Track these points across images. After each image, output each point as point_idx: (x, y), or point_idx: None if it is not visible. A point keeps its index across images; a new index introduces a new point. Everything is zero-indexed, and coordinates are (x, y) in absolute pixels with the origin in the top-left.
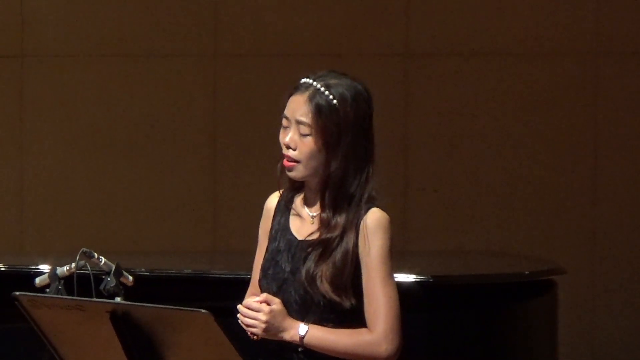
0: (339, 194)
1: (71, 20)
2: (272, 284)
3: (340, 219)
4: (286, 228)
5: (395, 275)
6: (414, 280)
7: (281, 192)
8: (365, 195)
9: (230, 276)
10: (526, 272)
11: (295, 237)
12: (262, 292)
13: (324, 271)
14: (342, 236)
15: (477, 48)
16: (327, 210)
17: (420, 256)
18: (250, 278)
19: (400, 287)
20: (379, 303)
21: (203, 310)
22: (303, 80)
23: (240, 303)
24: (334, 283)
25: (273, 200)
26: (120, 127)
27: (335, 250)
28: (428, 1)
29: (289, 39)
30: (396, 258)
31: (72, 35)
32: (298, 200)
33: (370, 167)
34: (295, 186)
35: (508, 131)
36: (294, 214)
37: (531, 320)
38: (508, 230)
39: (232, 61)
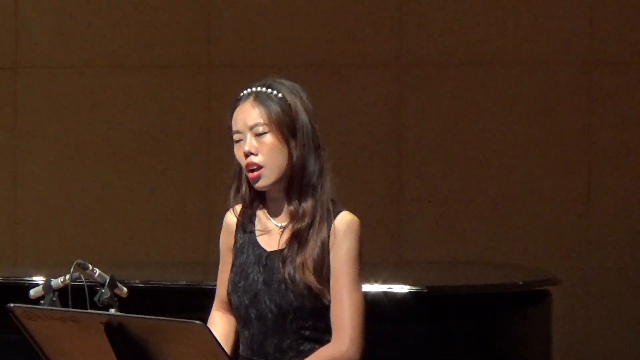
0: (302, 182)
1: (65, 32)
2: (243, 296)
3: (307, 206)
4: (254, 241)
5: (390, 285)
6: (409, 290)
7: (238, 210)
8: (327, 185)
9: None
10: (520, 282)
11: (265, 250)
12: (232, 305)
13: (306, 262)
14: (312, 224)
15: (471, 58)
16: (294, 202)
17: (415, 267)
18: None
19: (395, 298)
20: (344, 308)
21: (197, 322)
22: (240, 95)
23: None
24: (317, 273)
25: (232, 216)
26: (114, 138)
27: (310, 240)
28: (422, 11)
29: (283, 50)
30: (390, 268)
31: (66, 47)
32: (261, 214)
33: (324, 155)
34: (253, 205)
35: (502, 141)
36: (259, 230)
37: (525, 330)
38: (502, 240)
39: (226, 72)
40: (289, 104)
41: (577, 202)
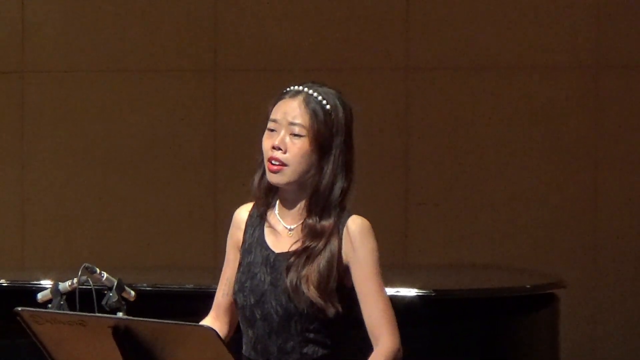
0: (328, 199)
1: (71, 36)
2: (249, 296)
3: (326, 225)
4: (262, 242)
5: (397, 289)
6: (416, 294)
7: (252, 206)
8: (349, 205)
9: None
10: (527, 286)
11: (273, 251)
12: (238, 305)
13: (310, 277)
14: (325, 242)
15: (478, 61)
16: (314, 217)
17: (422, 270)
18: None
19: (403, 302)
20: (380, 311)
21: (205, 325)
22: (290, 88)
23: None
24: (320, 288)
25: (243, 212)
26: (121, 142)
27: (320, 255)
28: (428, 15)
29: (290, 54)
30: (398, 272)
31: (72, 51)
32: (271, 214)
33: (352, 175)
34: (267, 201)
35: (509, 145)
36: (269, 229)
37: (533, 333)
38: (509, 244)
39: (232, 76)
40: (333, 120)
41: (584, 205)
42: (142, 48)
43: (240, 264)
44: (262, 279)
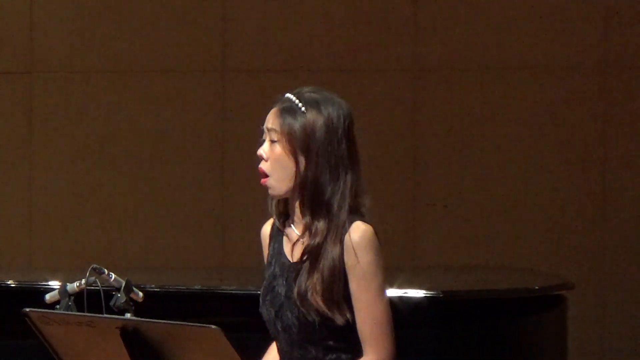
0: (315, 199)
1: (80, 36)
2: (270, 310)
3: (320, 225)
4: (280, 252)
5: (405, 290)
6: (424, 295)
7: (273, 219)
8: (346, 206)
9: (240, 292)
10: (536, 287)
11: (289, 260)
12: (264, 319)
13: (315, 285)
14: (325, 244)
15: (486, 63)
16: (307, 217)
17: (430, 271)
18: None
19: (410, 303)
20: (371, 324)
21: (213, 326)
22: (280, 96)
23: (251, 317)
24: (325, 297)
25: (266, 228)
26: (129, 142)
27: (322, 261)
28: (437, 16)
29: (298, 55)
30: (406, 273)
31: (81, 51)
32: (287, 223)
33: (348, 176)
34: (279, 211)
35: (517, 146)
36: (286, 238)
37: (541, 335)
38: (517, 245)
39: (240, 76)
40: (308, 119)
41: (592, 206)
42: (150, 48)
43: (264, 278)
44: (279, 291)
